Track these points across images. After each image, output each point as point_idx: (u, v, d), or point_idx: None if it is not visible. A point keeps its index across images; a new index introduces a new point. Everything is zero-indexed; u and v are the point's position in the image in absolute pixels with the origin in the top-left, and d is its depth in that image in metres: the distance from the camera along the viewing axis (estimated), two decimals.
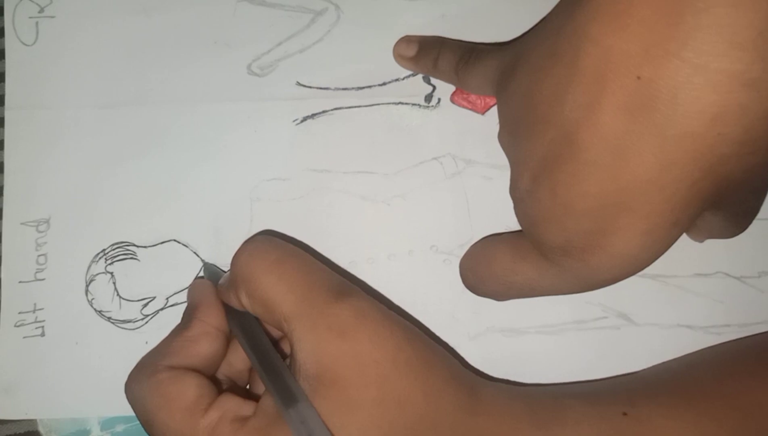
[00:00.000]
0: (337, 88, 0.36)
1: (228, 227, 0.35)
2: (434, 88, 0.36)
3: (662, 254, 0.26)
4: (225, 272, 0.32)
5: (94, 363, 0.34)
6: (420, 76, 0.36)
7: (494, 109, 0.35)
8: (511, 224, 0.34)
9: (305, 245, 0.35)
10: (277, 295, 0.27)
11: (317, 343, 0.25)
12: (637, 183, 0.23)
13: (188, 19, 0.37)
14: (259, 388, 0.31)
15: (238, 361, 0.30)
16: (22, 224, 0.36)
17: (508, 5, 0.36)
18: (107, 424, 0.34)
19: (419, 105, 0.36)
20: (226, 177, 0.35)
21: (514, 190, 0.28)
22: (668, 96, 0.22)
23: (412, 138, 0.35)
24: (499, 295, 0.31)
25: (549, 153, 0.25)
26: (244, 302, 0.28)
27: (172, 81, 0.36)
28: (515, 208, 0.29)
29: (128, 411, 0.33)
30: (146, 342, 0.34)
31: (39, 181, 0.36)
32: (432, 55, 0.34)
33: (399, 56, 0.35)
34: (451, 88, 0.35)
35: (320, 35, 0.36)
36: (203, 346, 0.28)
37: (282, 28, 0.36)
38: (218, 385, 0.29)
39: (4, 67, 0.37)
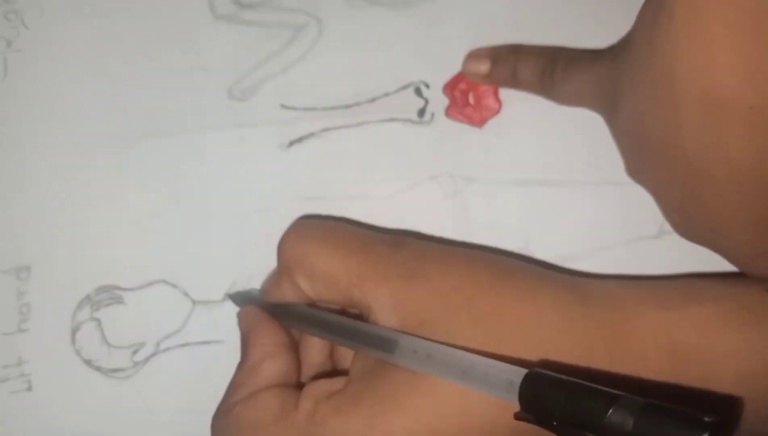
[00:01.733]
0: (324, 108, 0.34)
1: (218, 263, 0.33)
2: (427, 102, 0.33)
3: None
4: (253, 289, 0.31)
5: (86, 417, 0.33)
6: (411, 89, 0.34)
7: (492, 122, 0.33)
8: (518, 245, 0.32)
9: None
10: (339, 263, 0.26)
11: (393, 293, 0.25)
12: None
13: (163, 43, 0.34)
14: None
15: (314, 356, 0.29)
16: (1, 272, 0.34)
17: (497, 6, 0.33)
18: None
19: (412, 120, 0.33)
20: (213, 210, 0.33)
21: (670, 222, 0.29)
22: None
23: (406, 157, 0.33)
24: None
25: (686, 195, 0.25)
26: (302, 285, 0.27)
27: (150, 110, 0.34)
28: None
29: None
30: (138, 392, 0.33)
31: (15, 226, 0.34)
32: (509, 66, 0.32)
33: (471, 74, 0.33)
34: (445, 101, 0.33)
35: (302, 52, 0.34)
36: (268, 368, 0.27)
37: (262, 46, 0.34)
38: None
39: None
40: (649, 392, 0.20)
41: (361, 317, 0.26)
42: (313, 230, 0.28)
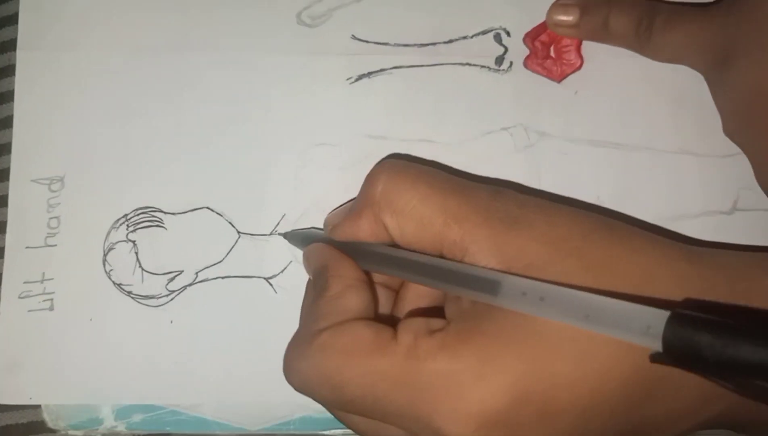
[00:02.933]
0: (397, 44, 0.32)
1: (269, 195, 0.31)
2: (506, 49, 0.32)
3: None
4: (314, 228, 0.30)
5: (110, 343, 0.30)
6: (491, 35, 0.32)
7: (572, 78, 0.32)
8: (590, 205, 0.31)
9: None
10: (437, 202, 0.24)
11: (495, 235, 0.23)
12: None
13: None
14: None
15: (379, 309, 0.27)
16: (32, 181, 0.31)
17: None
18: (123, 413, 0.30)
19: (489, 67, 0.32)
20: (270, 139, 0.31)
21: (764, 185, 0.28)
22: None
23: (479, 104, 0.32)
24: None
25: None
26: (388, 223, 0.25)
27: (212, 27, 0.32)
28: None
29: (147, 399, 0.30)
30: (171, 321, 0.30)
31: (53, 134, 0.32)
32: (599, 17, 0.30)
33: (556, 24, 0.31)
34: (525, 51, 0.32)
35: None
36: (352, 299, 0.24)
37: None
38: None
39: (17, 7, 0.32)
40: None
41: None
42: (409, 168, 0.25)
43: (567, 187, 0.31)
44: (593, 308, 0.20)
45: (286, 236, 0.30)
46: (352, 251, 0.26)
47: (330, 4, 0.32)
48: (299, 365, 0.23)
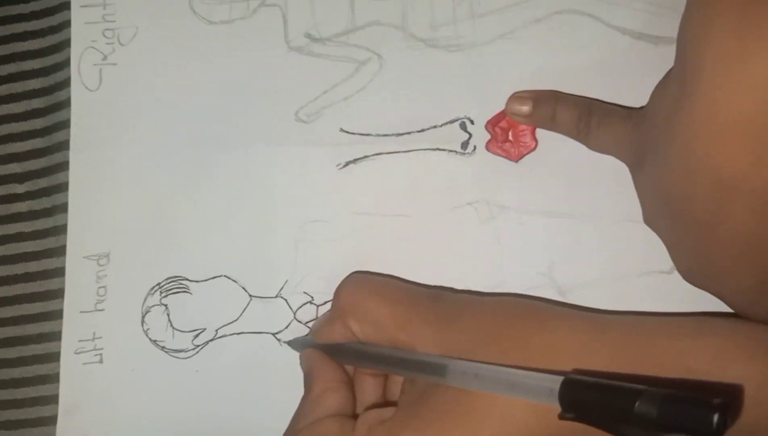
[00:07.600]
0: (378, 135, 0.38)
1: (274, 264, 0.37)
2: (470, 136, 0.37)
3: None
4: (308, 335, 0.36)
5: (148, 389, 0.37)
6: (457, 124, 0.38)
7: (528, 158, 0.37)
8: (542, 269, 0.36)
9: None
10: (387, 310, 0.31)
11: (435, 333, 0.29)
12: None
13: (242, 66, 0.39)
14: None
15: (367, 394, 0.33)
16: (84, 257, 0.38)
17: (541, 57, 0.37)
18: None
19: (456, 151, 0.37)
20: (274, 217, 0.38)
21: (677, 267, 0.32)
22: None
23: (448, 183, 0.37)
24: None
25: (694, 248, 0.29)
26: (353, 327, 0.31)
27: (226, 124, 0.38)
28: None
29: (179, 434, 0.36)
30: (196, 370, 0.37)
31: (100, 218, 0.38)
32: (549, 109, 0.35)
33: (513, 113, 0.36)
34: (487, 136, 0.37)
35: (363, 84, 0.38)
36: (330, 399, 0.31)
37: (328, 77, 0.38)
38: None
39: (69, 114, 0.39)
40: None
41: None
42: (367, 282, 0.33)
43: (524, 253, 0.36)
44: (513, 380, 0.25)
45: (289, 343, 0.36)
46: (333, 350, 0.33)
47: (322, 103, 0.38)
48: None
